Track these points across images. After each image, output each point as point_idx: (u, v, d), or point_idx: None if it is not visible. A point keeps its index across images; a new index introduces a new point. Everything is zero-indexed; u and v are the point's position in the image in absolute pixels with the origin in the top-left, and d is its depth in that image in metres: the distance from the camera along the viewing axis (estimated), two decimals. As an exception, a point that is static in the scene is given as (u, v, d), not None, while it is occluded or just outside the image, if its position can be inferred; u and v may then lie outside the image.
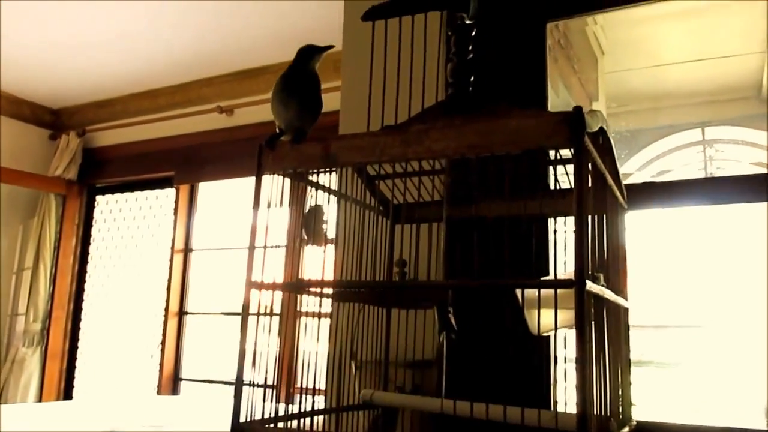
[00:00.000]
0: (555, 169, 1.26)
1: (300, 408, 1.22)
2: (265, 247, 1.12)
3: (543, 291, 0.92)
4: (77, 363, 4.63)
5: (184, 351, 4.21)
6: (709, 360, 2.83)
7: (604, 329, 1.02)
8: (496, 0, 1.70)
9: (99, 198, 4.85)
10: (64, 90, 4.57)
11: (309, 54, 1.15)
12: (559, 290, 0.90)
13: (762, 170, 3.01)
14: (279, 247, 1.14)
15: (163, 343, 4.17)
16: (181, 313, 4.25)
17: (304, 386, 1.23)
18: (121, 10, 3.41)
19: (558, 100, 2.12)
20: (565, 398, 1.45)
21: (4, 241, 4.69)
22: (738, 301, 2.78)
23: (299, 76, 1.15)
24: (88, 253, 4.76)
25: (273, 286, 1.11)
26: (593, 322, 0.94)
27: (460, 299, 1.23)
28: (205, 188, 4.44)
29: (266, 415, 1.12)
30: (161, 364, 4.13)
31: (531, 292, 0.97)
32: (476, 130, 0.93)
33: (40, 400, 4.43)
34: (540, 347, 1.29)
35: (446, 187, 1.33)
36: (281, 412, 1.16)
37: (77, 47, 3.88)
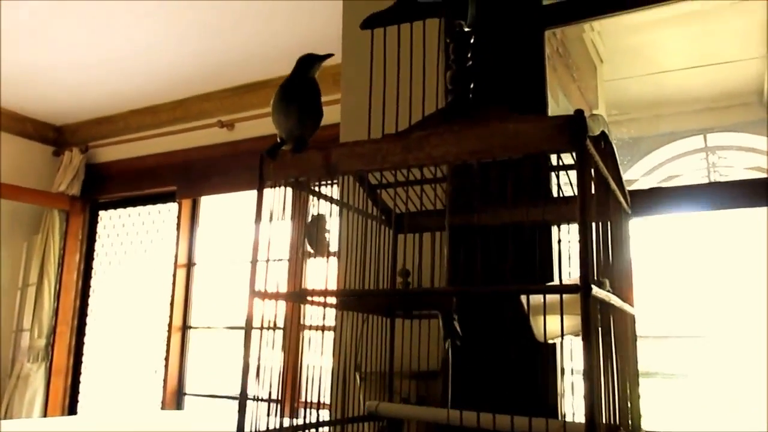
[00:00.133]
0: (558, 176, 1.26)
1: (304, 421, 1.21)
2: (268, 258, 1.11)
3: (548, 297, 0.91)
4: (81, 378, 4.61)
5: (187, 366, 4.20)
6: (715, 370, 2.81)
7: (611, 336, 1.01)
8: (493, 8, 1.70)
9: (102, 213, 4.86)
10: (66, 107, 4.59)
11: (308, 63, 1.15)
12: (564, 296, 0.89)
13: (761, 174, 3.00)
14: (282, 260, 1.14)
15: (166, 357, 4.15)
16: (185, 327, 4.24)
17: (308, 400, 1.22)
18: (121, 28, 3.43)
19: (558, 108, 2.12)
20: (573, 409, 1.44)
21: (8, 257, 4.70)
22: (742, 309, 2.77)
23: (299, 85, 1.15)
24: (91, 269, 4.76)
25: (276, 296, 1.10)
26: (600, 329, 0.93)
27: (464, 308, 1.22)
28: (207, 202, 4.44)
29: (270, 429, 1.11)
30: (165, 379, 4.12)
31: (536, 299, 0.96)
32: (477, 135, 0.93)
33: (44, 415, 4.42)
34: (546, 356, 1.28)
35: (448, 195, 1.32)
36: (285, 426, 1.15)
37: (79, 65, 3.90)
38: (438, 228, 1.39)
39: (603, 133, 1.04)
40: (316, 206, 1.22)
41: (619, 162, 1.22)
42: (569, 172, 1.24)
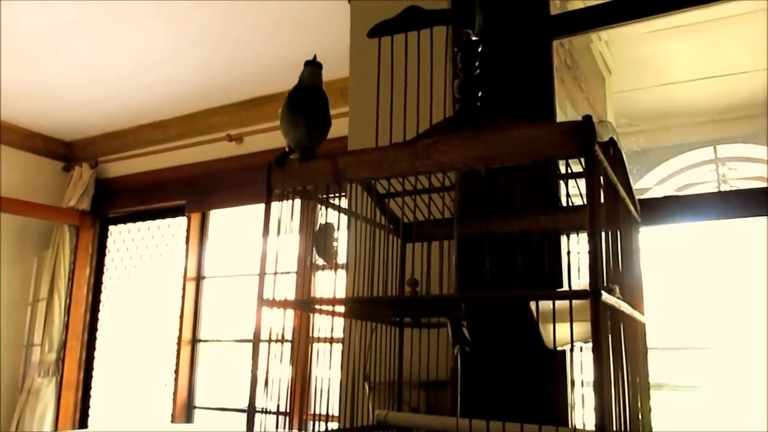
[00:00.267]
0: (566, 184, 1.25)
1: None
2: (276, 267, 1.11)
3: (558, 303, 0.91)
4: (92, 392, 4.62)
5: (197, 379, 4.19)
6: (726, 382, 2.79)
7: (621, 344, 1.01)
8: (501, 17, 1.70)
9: (112, 228, 4.88)
10: (76, 123, 4.62)
11: (315, 69, 1.15)
12: (574, 303, 0.88)
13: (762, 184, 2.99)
14: (290, 273, 1.14)
15: (176, 371, 4.15)
16: (194, 340, 4.24)
17: (317, 412, 1.21)
18: (130, 44, 3.46)
19: (566, 119, 2.12)
20: (584, 421, 1.42)
21: (19, 272, 4.72)
22: (751, 319, 2.74)
23: (306, 94, 1.15)
24: (101, 283, 4.77)
25: (284, 304, 1.10)
26: (610, 336, 0.92)
27: (473, 316, 1.22)
28: (216, 216, 4.45)
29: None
30: (175, 392, 4.11)
31: (545, 305, 0.95)
32: (485, 141, 0.93)
33: (55, 429, 4.42)
34: (556, 364, 1.27)
35: (456, 203, 1.32)
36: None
37: (88, 81, 3.93)
38: (446, 237, 1.38)
39: (612, 139, 1.04)
40: (324, 216, 1.22)
41: (628, 170, 1.21)
42: (578, 180, 1.24)
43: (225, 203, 4.18)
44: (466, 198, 1.30)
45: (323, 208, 1.21)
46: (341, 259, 1.24)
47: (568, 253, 1.18)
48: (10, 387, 4.60)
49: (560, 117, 1.77)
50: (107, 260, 4.82)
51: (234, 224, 4.39)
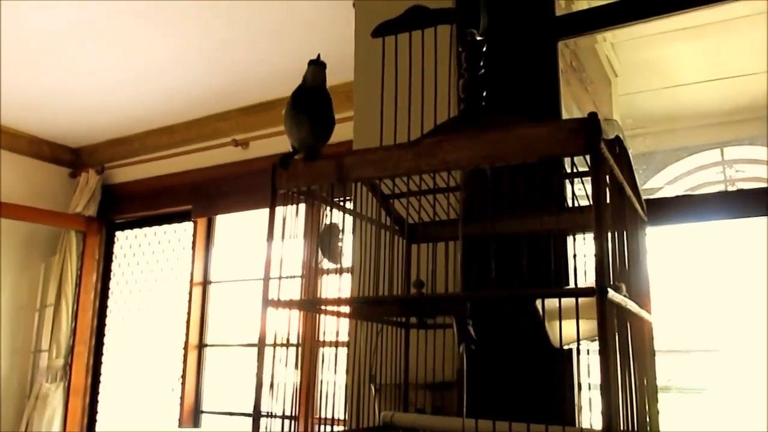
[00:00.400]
0: (572, 184, 1.25)
1: (319, 433, 1.20)
2: (281, 272, 1.11)
3: (564, 302, 0.90)
4: (99, 397, 4.63)
5: (204, 383, 4.19)
6: (732, 385, 2.77)
7: (628, 342, 1.00)
8: (505, 17, 1.70)
9: (118, 234, 4.89)
10: (82, 129, 4.64)
11: (319, 68, 1.15)
12: (580, 301, 0.88)
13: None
14: (295, 277, 1.14)
15: (183, 375, 4.15)
16: (201, 345, 4.24)
17: (323, 416, 1.21)
18: (136, 50, 3.47)
19: (572, 121, 2.11)
20: (590, 424, 1.42)
21: (26, 278, 4.74)
22: (757, 321, 2.73)
23: (310, 94, 1.15)
24: (108, 289, 4.79)
25: (290, 304, 1.10)
26: (616, 335, 0.92)
27: (478, 315, 1.21)
28: (222, 221, 4.46)
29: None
30: (182, 397, 4.12)
31: (551, 304, 0.95)
32: (490, 139, 0.92)
33: (63, 435, 4.44)
34: (562, 363, 1.26)
35: (462, 203, 1.32)
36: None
37: (94, 88, 3.94)
38: (451, 238, 1.38)
39: (618, 137, 1.04)
40: (329, 217, 1.22)
41: (634, 170, 1.21)
42: (584, 180, 1.24)
43: (231, 208, 4.18)
44: (471, 198, 1.30)
45: (328, 208, 1.21)
46: (346, 260, 1.24)
47: (575, 256, 1.17)
48: (18, 392, 4.61)
49: (565, 118, 1.76)
50: (114, 266, 4.84)
51: (240, 229, 4.40)
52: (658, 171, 3.54)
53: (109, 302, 4.76)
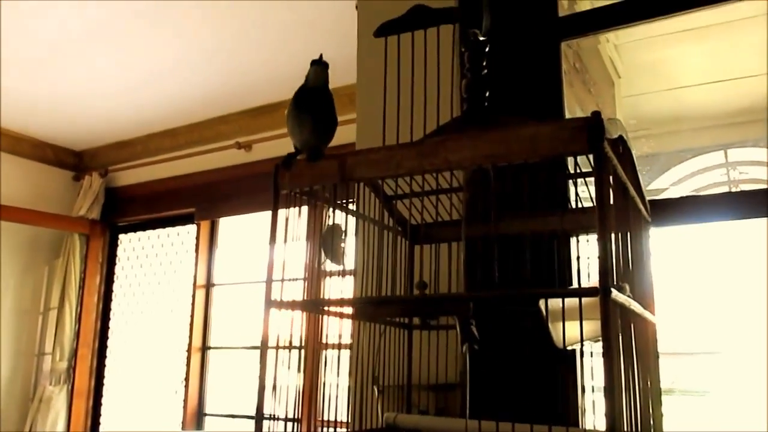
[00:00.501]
0: (575, 184, 1.24)
1: (322, 436, 1.19)
2: (284, 273, 1.10)
3: (567, 302, 0.90)
4: (103, 400, 4.63)
5: (207, 386, 4.19)
6: (735, 387, 2.76)
7: (631, 343, 1.00)
8: (508, 18, 1.70)
9: (122, 236, 4.90)
10: (86, 132, 4.64)
11: (321, 68, 1.15)
12: (584, 301, 0.88)
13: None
14: (298, 279, 1.13)
15: (186, 378, 4.15)
16: (204, 348, 4.24)
17: (326, 418, 1.20)
18: (139, 54, 3.47)
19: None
20: (594, 422, 1.41)
21: (30, 281, 4.75)
22: (759, 323, 2.72)
23: (312, 93, 1.15)
24: (112, 291, 4.79)
25: (292, 305, 1.09)
26: (620, 335, 0.91)
27: (481, 316, 1.21)
28: (225, 223, 4.46)
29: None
30: (185, 400, 4.11)
31: (555, 304, 0.94)
32: (493, 139, 0.92)
33: (66, 438, 4.44)
34: (565, 364, 1.26)
35: (464, 204, 1.31)
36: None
37: (98, 91, 3.95)
38: (454, 238, 1.37)
39: (621, 137, 1.03)
40: (331, 218, 1.22)
41: (638, 170, 1.20)
42: (587, 181, 1.23)
43: (234, 211, 4.18)
44: (474, 199, 1.29)
45: (330, 209, 1.20)
46: (349, 261, 1.24)
47: (578, 258, 1.17)
48: (22, 395, 4.62)
49: (569, 119, 1.75)
50: (117, 269, 4.84)
51: (243, 232, 4.40)
52: (662, 173, 3.53)
53: (113, 305, 4.77)
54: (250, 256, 4.30)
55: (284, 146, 1.20)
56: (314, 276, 1.15)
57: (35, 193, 4.70)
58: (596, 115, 0.88)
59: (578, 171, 1.19)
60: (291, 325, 1.11)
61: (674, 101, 3.44)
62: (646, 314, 1.13)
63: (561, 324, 0.89)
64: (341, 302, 1.14)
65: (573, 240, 1.36)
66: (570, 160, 1.20)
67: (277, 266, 1.10)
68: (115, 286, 4.80)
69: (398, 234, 1.37)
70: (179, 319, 4.35)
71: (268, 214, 1.13)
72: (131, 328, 4.64)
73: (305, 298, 1.13)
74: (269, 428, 1.07)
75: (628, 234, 1.08)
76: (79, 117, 4.37)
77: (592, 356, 1.03)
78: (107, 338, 4.71)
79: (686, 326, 2.89)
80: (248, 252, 4.32)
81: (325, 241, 1.17)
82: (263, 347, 1.09)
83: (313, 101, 1.15)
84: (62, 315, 4.58)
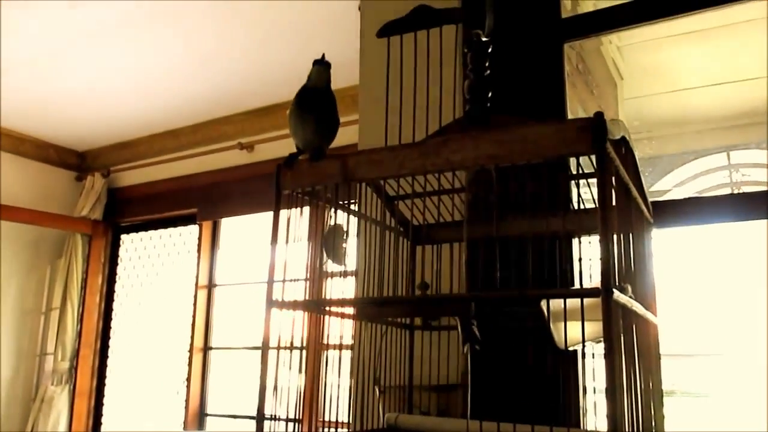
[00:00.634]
0: (578, 185, 1.24)
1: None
2: (285, 274, 1.10)
3: (569, 303, 0.90)
4: (105, 400, 4.63)
5: (209, 386, 4.19)
6: (736, 389, 2.76)
7: (633, 344, 0.99)
8: (511, 19, 1.70)
9: (124, 237, 4.90)
10: (88, 133, 4.65)
11: (323, 68, 1.15)
12: (586, 302, 0.87)
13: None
14: (299, 280, 1.13)
15: (188, 378, 4.15)
16: (206, 348, 4.24)
17: (327, 419, 1.20)
18: (141, 54, 3.48)
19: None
20: (596, 424, 1.41)
21: (32, 281, 4.75)
22: (760, 325, 2.71)
23: (314, 93, 1.15)
24: (114, 291, 4.79)
25: (294, 305, 1.09)
26: (622, 336, 0.91)
27: (483, 318, 1.21)
28: (227, 224, 4.46)
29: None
30: (187, 400, 4.12)
31: (557, 305, 0.94)
32: (495, 139, 0.92)
33: (68, 438, 4.44)
34: (567, 365, 1.26)
35: (466, 204, 1.31)
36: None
37: (100, 92, 3.96)
38: (456, 239, 1.37)
39: (624, 138, 1.03)
40: (333, 218, 1.22)
41: (641, 171, 1.20)
42: (590, 181, 1.23)
43: (236, 211, 4.19)
44: (476, 200, 1.29)
45: (332, 210, 1.20)
46: (351, 261, 1.24)
47: (580, 259, 1.17)
48: (24, 396, 4.62)
49: (571, 121, 1.75)
50: (119, 269, 4.85)
51: (245, 232, 4.40)
52: (664, 174, 3.53)
53: (115, 305, 4.77)
54: (251, 256, 4.30)
55: (287, 147, 1.20)
56: (316, 276, 1.15)
57: (38, 194, 4.71)
58: (599, 115, 0.88)
59: (580, 172, 1.19)
60: (292, 326, 1.11)
61: (677, 103, 3.44)
62: (648, 315, 1.13)
63: (563, 324, 0.89)
64: (343, 302, 1.14)
65: (575, 241, 1.36)
66: (572, 161, 1.20)
67: (279, 266, 1.10)
68: (117, 287, 4.80)
69: (400, 234, 1.37)
70: (181, 320, 4.35)
71: (270, 214, 1.13)
72: (133, 328, 4.64)
73: (307, 298, 1.13)
74: (270, 429, 1.07)
75: (630, 235, 1.08)
76: (82, 117, 4.38)
77: (593, 357, 1.03)
78: (109, 338, 4.72)
79: (688, 328, 2.88)
80: (250, 253, 4.32)
81: (326, 241, 1.17)
82: (264, 348, 1.09)
83: (316, 101, 1.15)
84: (64, 315, 4.58)
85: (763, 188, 3.36)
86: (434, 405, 1.36)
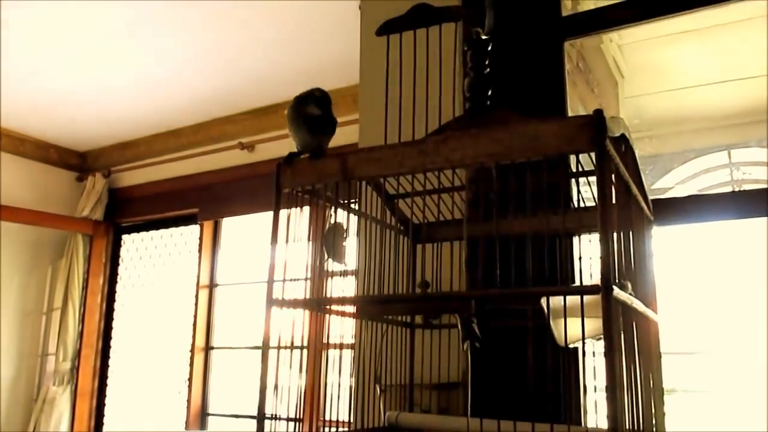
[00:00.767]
0: (578, 183, 1.24)
1: (325, 433, 1.19)
2: (285, 273, 1.10)
3: (569, 300, 0.90)
4: (107, 400, 4.64)
5: (211, 386, 4.20)
6: (736, 386, 2.76)
7: (633, 341, 0.99)
8: (511, 17, 1.70)
9: (125, 237, 4.90)
10: (89, 133, 4.65)
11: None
12: (586, 299, 0.87)
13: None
14: (299, 280, 1.13)
15: (190, 378, 4.16)
16: (208, 348, 4.24)
17: (328, 418, 1.20)
18: (143, 55, 3.48)
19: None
20: (596, 421, 1.41)
21: (33, 282, 4.75)
22: (760, 323, 2.71)
23: (311, 94, 1.15)
24: (115, 292, 4.80)
25: (294, 303, 1.09)
26: (622, 333, 0.91)
27: (483, 316, 1.21)
28: (228, 223, 4.46)
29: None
30: (189, 400, 4.12)
31: (556, 302, 0.94)
32: (495, 137, 0.92)
33: (70, 438, 4.45)
34: (567, 363, 1.26)
35: (466, 202, 1.31)
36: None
37: (101, 92, 3.95)
38: (456, 238, 1.37)
39: (623, 135, 1.03)
40: (333, 216, 1.22)
41: (641, 169, 1.20)
42: (590, 179, 1.23)
43: (237, 211, 4.19)
44: (476, 198, 1.29)
45: (332, 208, 1.21)
46: (351, 260, 1.24)
47: (580, 257, 1.17)
48: (26, 396, 4.62)
49: (572, 119, 1.75)
50: (121, 269, 4.85)
51: (246, 232, 4.40)
52: (665, 173, 3.53)
53: (116, 305, 4.77)
54: (252, 256, 4.30)
55: (287, 147, 1.20)
56: (316, 275, 1.15)
57: (38, 194, 4.71)
58: (598, 113, 0.88)
59: (580, 170, 1.19)
60: (293, 325, 1.11)
61: (677, 101, 3.44)
62: (649, 313, 1.13)
63: (563, 322, 0.89)
64: (343, 301, 1.14)
65: (575, 239, 1.36)
66: (572, 159, 1.20)
67: (279, 265, 1.10)
68: (119, 287, 4.81)
69: (400, 233, 1.38)
70: (182, 320, 4.35)
71: (271, 214, 1.13)
72: (134, 329, 4.64)
73: (307, 296, 1.13)
74: (271, 428, 1.07)
75: (631, 232, 1.08)
76: (83, 118, 4.38)
77: (594, 354, 1.03)
78: (110, 338, 4.72)
79: (688, 325, 2.88)
80: (251, 252, 4.32)
81: (327, 240, 1.17)
82: (265, 347, 1.09)
83: (315, 102, 1.15)
84: (65, 315, 4.59)
85: (763, 186, 3.35)
86: (435, 403, 1.36)
